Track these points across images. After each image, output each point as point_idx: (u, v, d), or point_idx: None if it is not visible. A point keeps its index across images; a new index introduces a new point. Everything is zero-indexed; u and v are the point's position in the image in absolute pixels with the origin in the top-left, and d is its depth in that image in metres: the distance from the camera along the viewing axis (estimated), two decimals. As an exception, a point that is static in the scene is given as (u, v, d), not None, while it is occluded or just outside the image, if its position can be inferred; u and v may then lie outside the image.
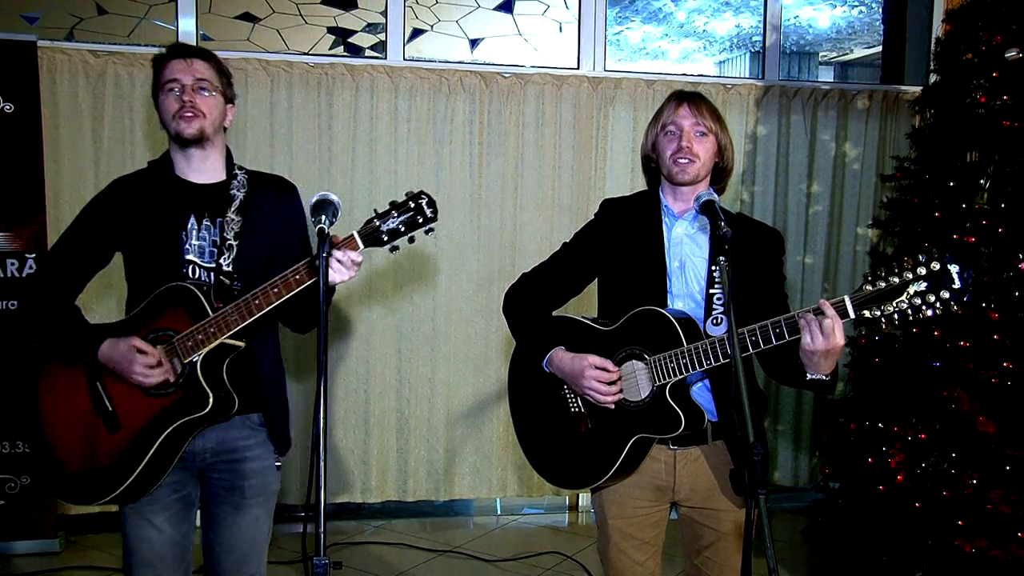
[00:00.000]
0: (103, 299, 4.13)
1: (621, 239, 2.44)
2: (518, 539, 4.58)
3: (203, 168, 2.37)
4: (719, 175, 2.44)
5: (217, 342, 2.20)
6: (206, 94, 2.31)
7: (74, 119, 4.25)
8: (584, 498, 5.07)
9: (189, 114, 2.28)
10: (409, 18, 4.80)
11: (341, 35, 4.95)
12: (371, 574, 4.05)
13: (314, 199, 2.09)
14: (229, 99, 2.40)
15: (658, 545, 2.49)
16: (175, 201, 2.32)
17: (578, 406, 2.39)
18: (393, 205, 2.18)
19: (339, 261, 2.15)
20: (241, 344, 2.25)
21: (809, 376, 2.12)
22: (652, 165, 2.47)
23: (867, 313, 2.02)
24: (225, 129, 2.42)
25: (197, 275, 2.30)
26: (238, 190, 2.38)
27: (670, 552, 2.59)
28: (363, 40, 4.98)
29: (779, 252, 2.48)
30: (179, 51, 2.33)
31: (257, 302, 2.18)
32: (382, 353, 4.61)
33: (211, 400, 2.20)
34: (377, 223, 2.17)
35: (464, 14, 5.00)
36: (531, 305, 2.50)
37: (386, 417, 4.69)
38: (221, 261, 2.30)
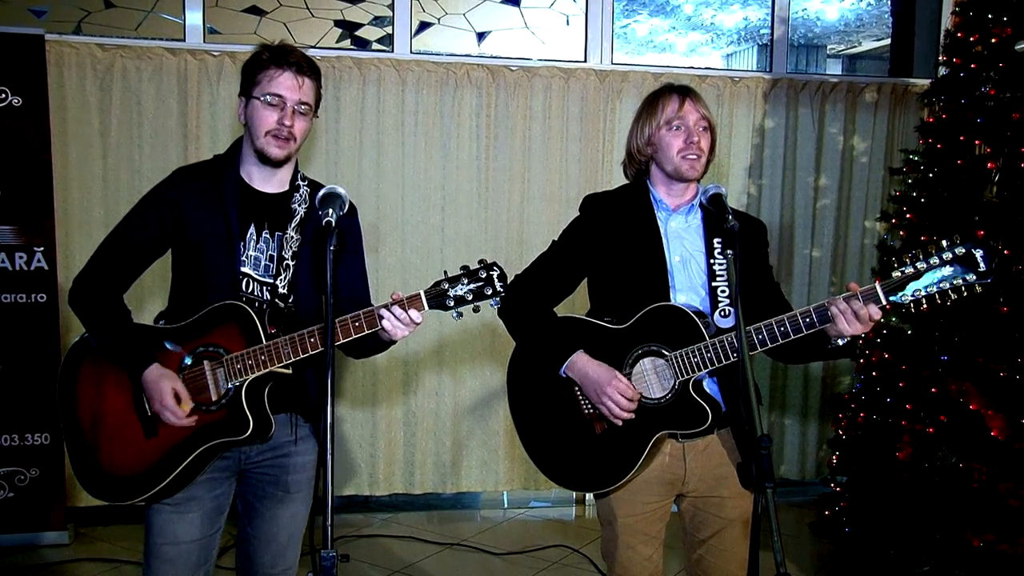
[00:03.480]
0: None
1: (613, 235, 2.42)
2: (525, 532, 4.58)
3: (271, 178, 2.30)
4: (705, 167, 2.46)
5: (266, 371, 2.17)
6: (303, 116, 2.24)
7: (82, 113, 4.25)
8: (591, 491, 5.07)
9: (284, 137, 2.21)
10: (416, 11, 4.80)
11: (348, 28, 4.94)
12: (378, 567, 4.06)
13: (321, 192, 2.08)
14: (316, 114, 2.33)
15: (661, 538, 2.49)
16: (237, 206, 2.25)
17: (591, 407, 2.37)
18: (465, 272, 2.15)
19: (397, 318, 2.12)
20: (288, 372, 2.21)
21: (831, 345, 2.20)
22: (642, 159, 2.46)
23: (898, 299, 2.09)
24: None
25: (251, 288, 2.24)
26: (300, 204, 2.32)
27: (667, 544, 2.59)
28: (370, 33, 4.98)
29: (764, 243, 2.50)
30: (294, 64, 2.21)
31: (313, 340, 2.14)
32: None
33: (251, 426, 2.17)
34: (446, 287, 2.14)
35: (471, 7, 4.99)
36: (530, 307, 2.46)
37: (393, 410, 4.70)
38: (277, 282, 2.26)
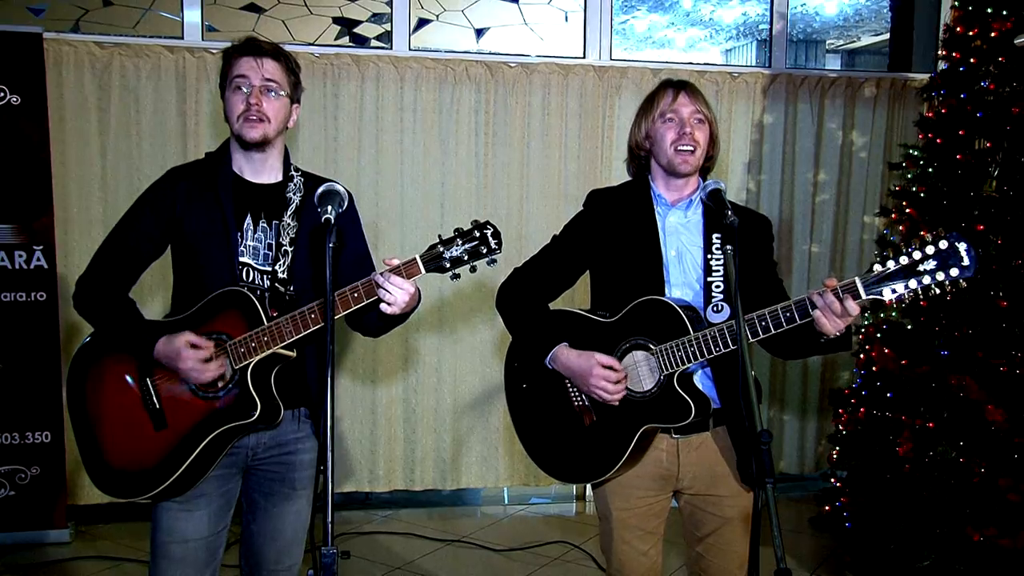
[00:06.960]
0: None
1: (613, 230, 2.43)
2: (525, 528, 4.59)
3: (262, 169, 2.34)
4: (706, 163, 2.45)
5: (270, 351, 2.19)
6: (272, 96, 2.27)
7: (80, 111, 4.25)
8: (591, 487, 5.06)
9: (254, 118, 2.24)
10: (415, 8, 4.79)
11: (347, 25, 4.94)
12: (379, 564, 4.06)
13: (320, 190, 2.09)
14: (295, 100, 2.36)
15: (660, 534, 2.49)
16: (232, 199, 2.29)
17: (582, 400, 2.39)
18: (458, 233, 2.16)
19: (385, 290, 2.13)
20: (292, 354, 2.23)
21: (824, 339, 2.15)
22: (642, 154, 2.47)
23: (878, 293, 2.04)
24: (287, 129, 2.37)
25: (251, 278, 2.28)
26: (294, 193, 2.35)
27: (668, 539, 2.59)
28: (369, 30, 4.97)
29: (769, 238, 2.49)
30: (251, 48, 2.28)
31: (313, 316, 2.17)
32: (389, 343, 4.62)
33: (259, 408, 2.20)
34: (440, 249, 2.15)
35: (470, 3, 4.98)
36: (526, 300, 2.48)
37: (393, 407, 4.70)
38: (276, 268, 2.29)
